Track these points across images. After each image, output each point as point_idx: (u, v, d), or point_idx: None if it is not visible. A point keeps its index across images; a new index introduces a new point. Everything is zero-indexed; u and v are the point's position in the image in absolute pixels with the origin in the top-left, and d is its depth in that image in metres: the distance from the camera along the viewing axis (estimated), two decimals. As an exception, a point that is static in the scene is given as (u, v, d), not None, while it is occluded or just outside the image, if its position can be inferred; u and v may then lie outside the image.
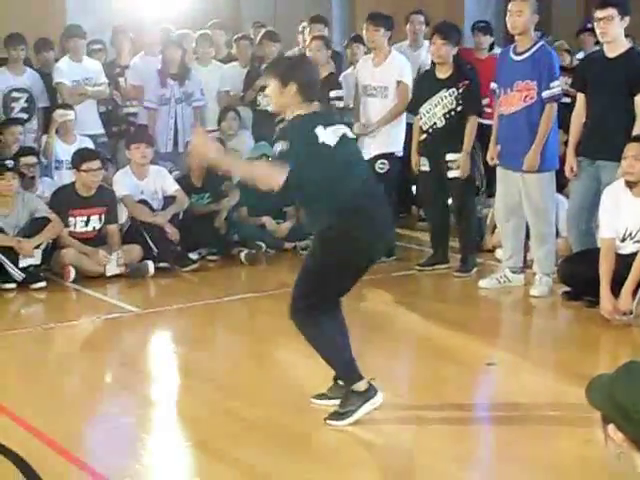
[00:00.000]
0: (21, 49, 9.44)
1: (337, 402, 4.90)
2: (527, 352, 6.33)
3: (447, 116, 7.94)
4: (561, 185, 7.86)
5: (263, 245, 8.91)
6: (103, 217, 8.26)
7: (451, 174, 8.01)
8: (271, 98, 4.89)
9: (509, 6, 7.34)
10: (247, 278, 8.49)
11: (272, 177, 4.62)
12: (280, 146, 4.83)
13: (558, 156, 7.48)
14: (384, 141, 8.48)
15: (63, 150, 8.96)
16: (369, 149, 8.36)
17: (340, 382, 5.00)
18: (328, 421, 4.82)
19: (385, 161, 8.43)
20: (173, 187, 8.65)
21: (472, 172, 8.04)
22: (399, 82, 8.40)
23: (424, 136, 8.12)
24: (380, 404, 4.86)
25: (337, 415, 4.83)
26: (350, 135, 4.90)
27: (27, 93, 9.45)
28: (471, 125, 7.91)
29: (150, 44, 9.85)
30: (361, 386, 4.84)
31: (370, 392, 4.84)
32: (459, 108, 7.91)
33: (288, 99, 4.74)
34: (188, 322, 7.12)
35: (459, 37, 8.30)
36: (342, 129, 4.82)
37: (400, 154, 8.53)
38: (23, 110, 9.42)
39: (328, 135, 4.69)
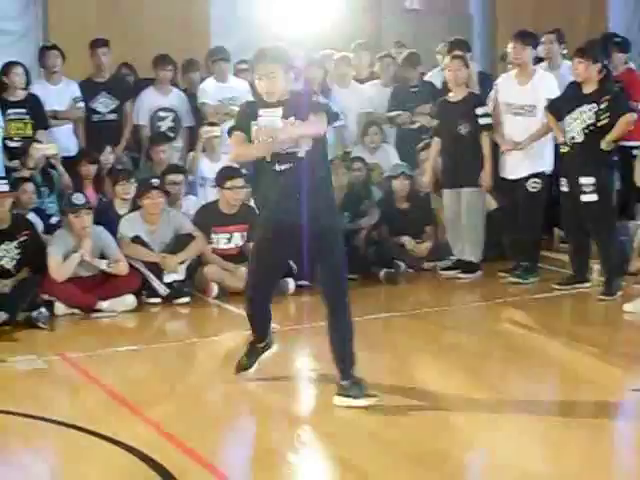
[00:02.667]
0: (169, 70, 9.71)
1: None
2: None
3: (586, 131, 7.87)
4: None
5: (402, 264, 8.90)
6: (245, 234, 8.39)
7: (585, 198, 7.89)
8: (274, 84, 5.28)
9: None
10: (386, 297, 8.49)
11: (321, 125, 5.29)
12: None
13: None
14: (536, 160, 8.41)
15: (208, 168, 9.14)
16: (519, 168, 8.35)
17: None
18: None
19: (538, 180, 8.39)
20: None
21: (608, 195, 7.92)
22: (548, 100, 8.31)
23: (566, 149, 8.02)
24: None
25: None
26: None
27: (173, 112, 9.72)
28: (626, 120, 7.78)
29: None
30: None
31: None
32: (599, 123, 7.82)
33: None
34: (326, 340, 7.13)
35: (601, 53, 8.19)
36: None
37: (549, 173, 8.44)
38: (169, 129, 9.70)
39: None
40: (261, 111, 5.26)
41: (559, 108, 8.14)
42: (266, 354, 5.95)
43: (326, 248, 5.37)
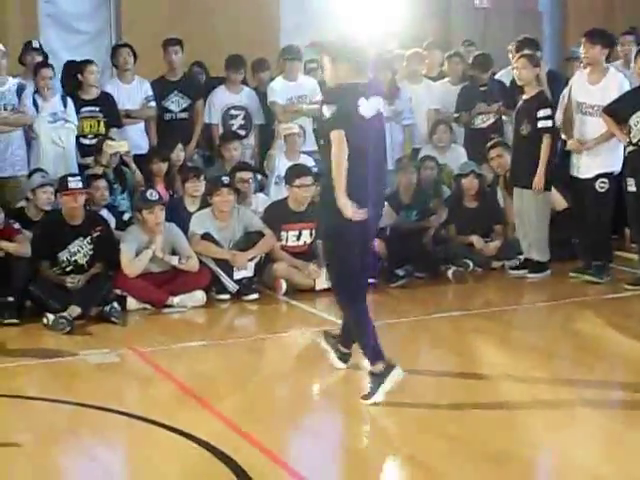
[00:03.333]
0: (240, 72, 9.84)
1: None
2: None
3: None
4: None
5: (470, 263, 8.88)
6: (314, 232, 8.43)
7: None
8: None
9: None
10: (454, 296, 8.48)
11: None
12: None
13: None
14: (605, 160, 8.35)
15: (285, 166, 9.03)
16: (589, 168, 8.31)
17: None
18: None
19: (606, 180, 8.34)
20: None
21: None
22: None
23: (631, 149, 7.95)
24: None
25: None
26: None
27: (244, 110, 9.81)
28: None
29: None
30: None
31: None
32: None
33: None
34: (394, 338, 7.13)
35: None
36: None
37: (618, 173, 8.37)
38: (240, 127, 9.79)
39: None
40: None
41: (618, 109, 8.06)
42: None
43: None
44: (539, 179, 8.50)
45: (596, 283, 8.34)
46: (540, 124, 8.50)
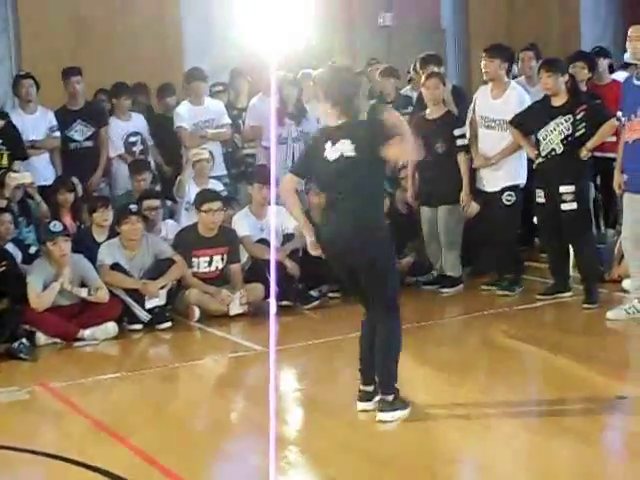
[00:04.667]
0: (126, 98, 9.74)
1: None
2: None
3: (564, 142, 7.92)
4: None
5: (384, 280, 8.86)
6: (225, 257, 8.36)
7: (565, 207, 7.94)
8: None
9: (629, 32, 7.22)
10: (369, 314, 8.44)
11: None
12: None
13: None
14: (510, 173, 8.47)
15: (195, 192, 8.88)
16: (494, 181, 8.42)
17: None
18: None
19: (512, 193, 8.45)
20: (292, 225, 8.69)
21: (586, 203, 8.03)
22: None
23: (540, 161, 8.06)
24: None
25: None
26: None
27: (139, 135, 9.75)
28: (609, 125, 7.82)
29: (267, 85, 9.97)
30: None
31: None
32: (577, 134, 7.88)
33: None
34: (311, 359, 7.13)
35: (565, 66, 8.28)
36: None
37: (523, 185, 8.47)
38: (141, 152, 9.72)
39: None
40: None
41: (524, 122, 8.18)
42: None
43: None
44: (466, 196, 8.59)
45: (506, 296, 8.43)
46: (458, 142, 8.62)
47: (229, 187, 9.76)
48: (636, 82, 7.26)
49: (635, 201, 7.33)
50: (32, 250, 8.38)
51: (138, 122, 9.83)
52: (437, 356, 6.94)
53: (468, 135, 8.66)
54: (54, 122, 9.38)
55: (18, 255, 8.15)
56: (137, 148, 9.72)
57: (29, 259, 8.15)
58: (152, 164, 9.68)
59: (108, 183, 9.70)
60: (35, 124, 9.34)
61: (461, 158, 8.64)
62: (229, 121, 9.79)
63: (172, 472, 4.80)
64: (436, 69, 9.11)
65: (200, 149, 9.31)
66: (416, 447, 5.00)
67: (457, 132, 8.65)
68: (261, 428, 5.47)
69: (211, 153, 9.37)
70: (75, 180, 9.06)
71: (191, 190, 9.10)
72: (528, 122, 8.17)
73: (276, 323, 8.10)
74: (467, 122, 8.71)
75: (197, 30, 12.13)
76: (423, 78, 8.93)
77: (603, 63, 9.55)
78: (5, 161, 8.92)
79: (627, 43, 7.25)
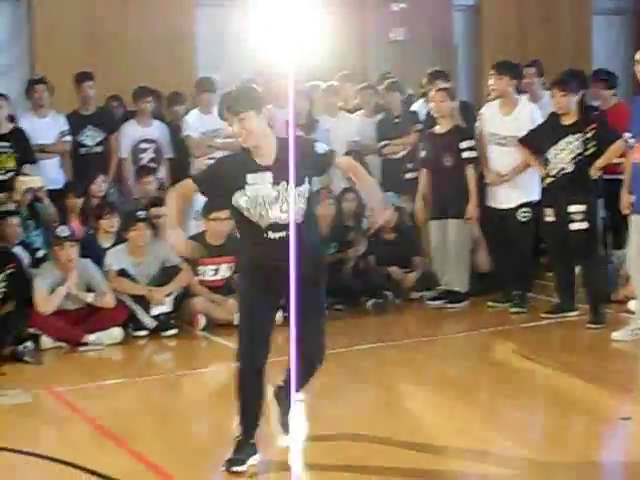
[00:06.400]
0: (148, 101, 9.71)
1: None
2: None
3: (575, 160, 7.93)
4: None
5: (390, 295, 8.89)
6: (232, 266, 8.37)
7: (574, 226, 7.94)
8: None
9: (636, 55, 7.23)
10: (373, 328, 8.47)
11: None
12: None
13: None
14: (526, 189, 8.50)
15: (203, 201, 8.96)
16: (509, 198, 8.46)
17: None
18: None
19: (529, 209, 8.45)
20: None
21: (596, 222, 8.01)
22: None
23: (550, 180, 8.07)
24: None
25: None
26: None
27: (154, 144, 9.71)
28: (618, 146, 7.75)
29: (278, 96, 9.99)
30: None
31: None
32: (587, 152, 7.89)
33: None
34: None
35: (580, 84, 8.30)
36: None
37: (536, 202, 8.49)
38: (151, 160, 9.70)
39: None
40: (249, 177, 4.78)
41: (534, 140, 8.19)
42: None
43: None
44: (472, 209, 8.60)
45: (518, 313, 8.43)
46: (465, 155, 8.63)
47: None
48: (646, 104, 7.27)
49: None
50: (40, 254, 8.41)
51: (158, 130, 9.79)
52: (441, 372, 6.93)
53: (477, 150, 8.68)
54: (65, 126, 9.40)
55: (26, 258, 8.17)
56: (146, 155, 9.71)
57: (36, 263, 8.18)
58: (162, 174, 9.67)
59: (119, 189, 9.72)
60: (45, 128, 9.35)
61: (469, 171, 8.65)
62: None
63: (174, 479, 4.80)
64: (444, 85, 9.14)
65: (208, 159, 9.30)
66: (417, 463, 4.98)
67: (464, 145, 8.66)
68: (262, 439, 5.51)
69: None
70: (102, 177, 9.08)
71: (199, 199, 9.09)
72: (538, 141, 8.18)
73: (278, 333, 8.14)
74: (475, 136, 8.73)
75: (210, 40, 12.17)
76: (431, 93, 8.97)
77: (604, 93, 9.49)
78: (12, 164, 8.93)
79: (635, 67, 7.25)
